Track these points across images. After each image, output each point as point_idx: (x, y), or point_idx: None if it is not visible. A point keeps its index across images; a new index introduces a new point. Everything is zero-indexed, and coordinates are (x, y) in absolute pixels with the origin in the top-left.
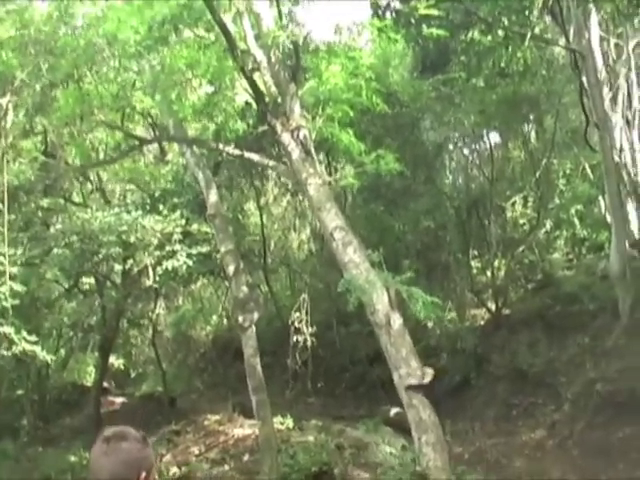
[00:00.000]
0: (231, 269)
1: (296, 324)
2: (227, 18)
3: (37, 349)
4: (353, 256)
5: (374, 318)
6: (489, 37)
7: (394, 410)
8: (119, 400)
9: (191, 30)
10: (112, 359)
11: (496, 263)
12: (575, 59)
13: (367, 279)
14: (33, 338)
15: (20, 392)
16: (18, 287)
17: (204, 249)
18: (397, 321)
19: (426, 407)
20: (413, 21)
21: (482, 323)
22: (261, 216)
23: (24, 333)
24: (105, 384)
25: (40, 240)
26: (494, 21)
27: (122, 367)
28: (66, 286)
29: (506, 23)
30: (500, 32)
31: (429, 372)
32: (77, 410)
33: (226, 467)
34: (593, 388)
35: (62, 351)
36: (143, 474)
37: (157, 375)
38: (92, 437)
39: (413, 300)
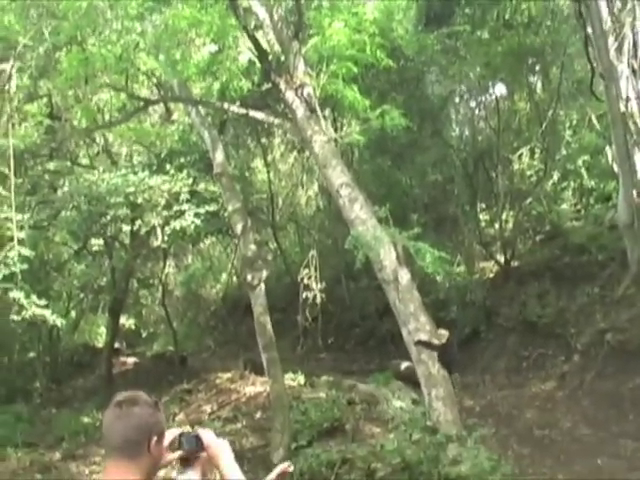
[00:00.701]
0: (239, 227)
1: (305, 280)
2: None
3: (47, 313)
4: (360, 212)
5: (382, 274)
6: None
7: (404, 364)
8: (131, 360)
9: None
10: (123, 319)
11: (504, 215)
12: (580, 9)
13: (374, 235)
14: (43, 302)
15: (32, 355)
16: (26, 251)
17: (212, 208)
18: (405, 277)
19: (435, 362)
20: None
21: (491, 276)
22: (268, 173)
23: (34, 297)
24: (116, 345)
25: (48, 203)
26: None
27: (133, 327)
28: (75, 248)
29: None
30: None
31: (444, 334)
32: (89, 371)
33: (238, 425)
34: (603, 338)
35: (73, 313)
36: (154, 438)
37: (168, 334)
38: (104, 398)
39: (420, 255)
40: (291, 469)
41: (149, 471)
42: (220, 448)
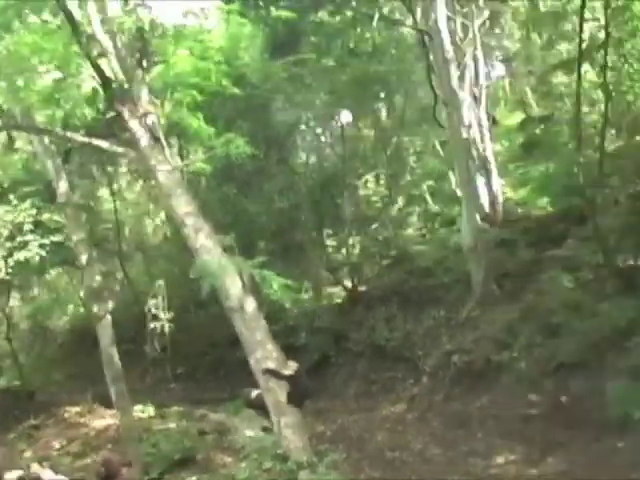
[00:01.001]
0: (83, 259)
1: (153, 310)
2: (73, 3)
3: None
4: (205, 242)
5: (228, 303)
6: (338, 18)
7: (255, 392)
8: None
9: (36, 15)
10: None
11: (351, 241)
12: (423, 39)
13: (220, 264)
14: None
15: None
16: None
17: (57, 238)
18: (251, 305)
19: (283, 389)
20: (261, 3)
21: (339, 301)
22: (114, 202)
23: None
24: None
25: None
26: (343, 2)
27: None
28: None
29: (354, 4)
30: (349, 13)
31: (292, 365)
32: None
33: (88, 460)
34: (449, 360)
35: None
36: None
37: (14, 369)
38: None
39: (267, 283)
40: None
41: None
42: None
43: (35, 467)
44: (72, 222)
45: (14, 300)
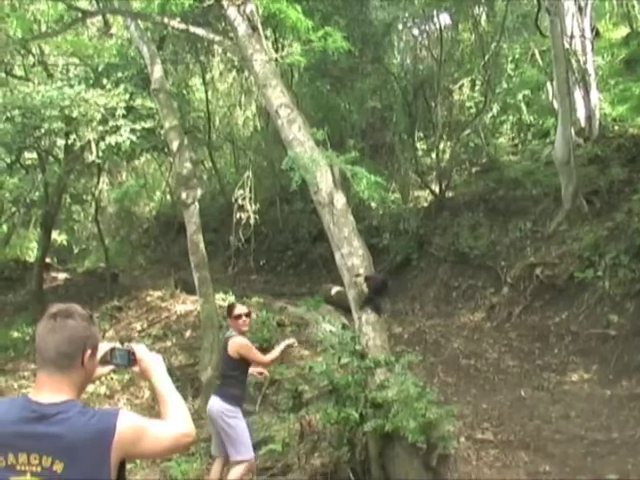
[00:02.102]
0: (175, 145)
1: (239, 201)
2: None
3: None
4: (297, 134)
5: (317, 197)
6: None
7: (335, 289)
8: (62, 276)
9: None
10: (55, 235)
11: (441, 145)
12: None
13: (311, 157)
14: None
15: None
16: None
17: (148, 124)
18: (340, 200)
19: (368, 286)
20: None
21: (425, 205)
22: (206, 92)
23: None
24: (48, 260)
25: None
26: None
27: (65, 243)
28: (8, 161)
29: None
30: None
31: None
32: (20, 286)
33: (168, 343)
34: (532, 272)
35: (4, 227)
36: (88, 352)
37: (100, 251)
38: (34, 313)
39: (357, 179)
40: (295, 344)
41: (81, 384)
42: (153, 362)
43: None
44: (164, 109)
45: (103, 184)
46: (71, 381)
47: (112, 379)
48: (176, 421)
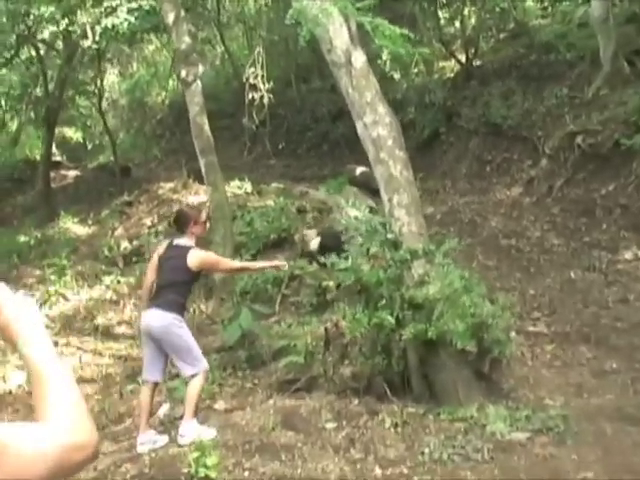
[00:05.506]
0: (170, 17)
1: (251, 80)
2: None
3: None
4: None
5: (331, 56)
6: None
7: (360, 169)
8: (72, 173)
9: None
10: (69, 132)
11: (466, 12)
12: None
13: (321, 8)
14: None
15: None
16: None
17: (145, 2)
18: (359, 58)
19: (397, 161)
20: None
21: (451, 75)
22: None
23: None
24: (58, 158)
25: None
26: None
27: (81, 140)
28: (7, 56)
29: None
30: None
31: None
32: (30, 188)
33: None
34: (573, 141)
35: (13, 126)
36: None
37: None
38: (42, 214)
39: (378, 33)
40: (285, 267)
41: None
42: (19, 313)
43: None
44: None
45: (113, 76)
46: None
47: (119, 282)
48: (61, 423)
